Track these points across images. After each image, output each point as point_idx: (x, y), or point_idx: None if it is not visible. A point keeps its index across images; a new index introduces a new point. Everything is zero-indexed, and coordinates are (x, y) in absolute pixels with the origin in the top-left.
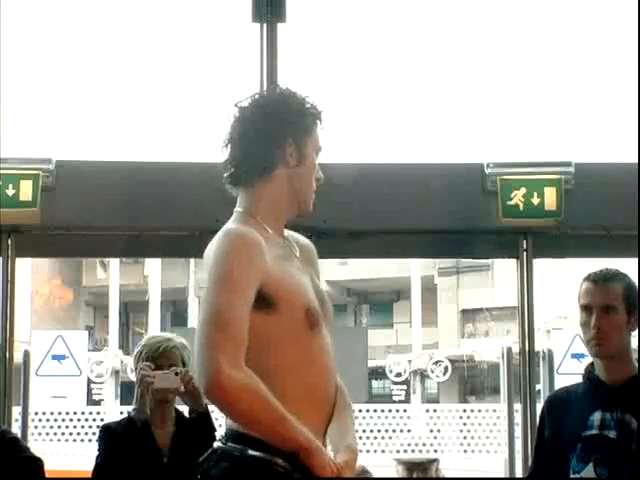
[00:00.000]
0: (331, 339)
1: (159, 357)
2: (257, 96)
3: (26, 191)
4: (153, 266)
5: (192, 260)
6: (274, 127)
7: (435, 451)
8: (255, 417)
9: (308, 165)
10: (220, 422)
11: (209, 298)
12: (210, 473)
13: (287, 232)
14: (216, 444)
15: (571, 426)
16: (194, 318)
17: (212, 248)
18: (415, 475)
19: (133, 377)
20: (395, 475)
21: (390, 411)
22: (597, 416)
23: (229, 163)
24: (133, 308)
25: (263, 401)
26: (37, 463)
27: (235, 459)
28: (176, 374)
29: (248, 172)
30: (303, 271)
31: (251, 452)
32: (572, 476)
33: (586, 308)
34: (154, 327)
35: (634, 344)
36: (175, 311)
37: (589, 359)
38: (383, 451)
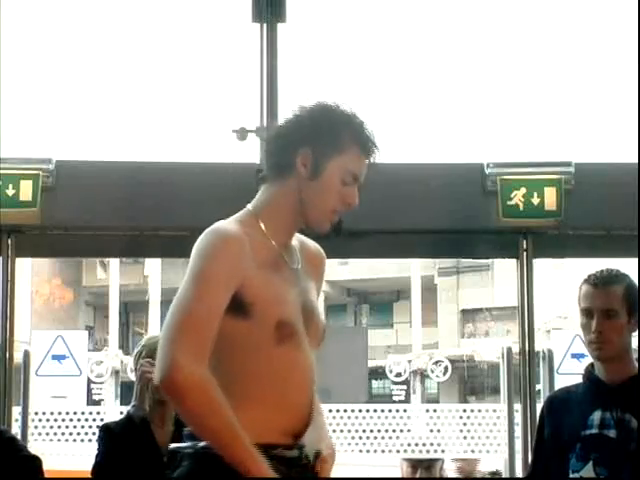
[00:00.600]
0: (313, 357)
1: None
2: (313, 102)
3: (26, 191)
4: (153, 266)
5: None
6: (295, 132)
7: (435, 451)
8: (204, 420)
9: (325, 182)
10: None
11: (181, 292)
12: (175, 475)
13: (299, 238)
14: (173, 446)
15: (571, 425)
16: None
17: (196, 243)
18: (419, 473)
19: (133, 377)
20: (399, 473)
21: (390, 411)
22: (597, 415)
23: (264, 159)
24: (133, 308)
25: (215, 407)
26: (35, 462)
27: (191, 456)
28: None
29: (267, 172)
30: (293, 283)
31: (200, 444)
32: (571, 475)
33: (586, 311)
34: (154, 327)
35: (634, 344)
36: None
37: (589, 359)
38: (383, 451)
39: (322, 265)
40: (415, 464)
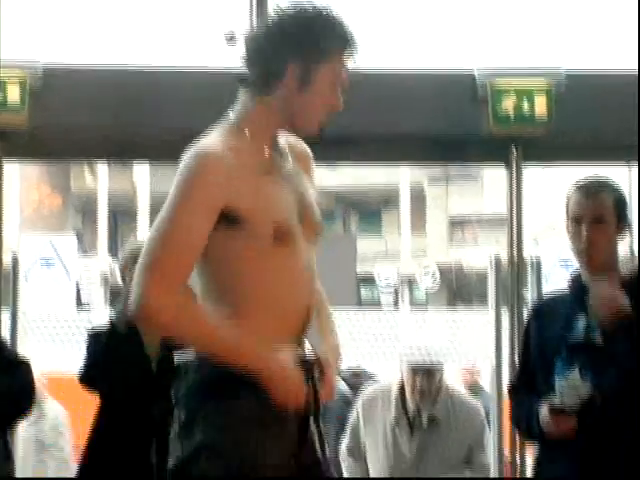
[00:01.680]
0: (312, 253)
1: None
2: (292, 7)
3: (13, 94)
4: (141, 172)
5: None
6: (282, 43)
7: (424, 358)
8: (193, 342)
9: (315, 92)
10: None
11: (160, 218)
12: (184, 387)
13: (285, 138)
14: (176, 358)
15: (556, 332)
16: None
17: (180, 166)
18: (419, 377)
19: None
20: (399, 375)
21: (379, 318)
22: (582, 322)
23: (243, 64)
24: (122, 213)
25: (199, 328)
26: (24, 366)
27: (197, 368)
28: None
29: (252, 81)
30: (286, 183)
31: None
32: (557, 381)
33: (576, 219)
34: (143, 232)
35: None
36: None
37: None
38: (372, 356)
39: (309, 163)
40: (415, 369)
